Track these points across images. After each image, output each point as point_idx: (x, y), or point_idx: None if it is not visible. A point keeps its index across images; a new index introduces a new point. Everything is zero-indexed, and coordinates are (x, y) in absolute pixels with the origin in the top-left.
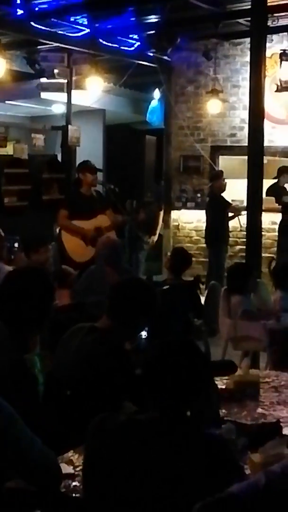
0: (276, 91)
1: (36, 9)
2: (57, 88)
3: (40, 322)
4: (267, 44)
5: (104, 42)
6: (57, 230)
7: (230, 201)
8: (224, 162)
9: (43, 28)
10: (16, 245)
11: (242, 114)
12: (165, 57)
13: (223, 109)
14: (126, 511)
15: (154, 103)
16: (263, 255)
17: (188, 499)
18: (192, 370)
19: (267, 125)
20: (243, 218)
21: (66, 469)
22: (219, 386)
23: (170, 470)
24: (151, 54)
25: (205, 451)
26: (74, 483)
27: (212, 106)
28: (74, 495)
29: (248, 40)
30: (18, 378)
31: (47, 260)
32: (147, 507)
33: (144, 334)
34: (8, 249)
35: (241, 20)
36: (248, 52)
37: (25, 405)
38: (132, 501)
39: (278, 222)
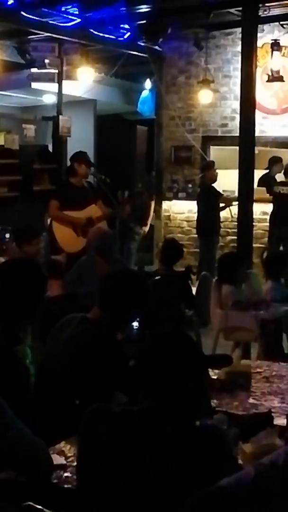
0: (267, 81)
1: None
2: (48, 78)
3: (31, 313)
4: (258, 34)
5: (95, 32)
6: (48, 220)
7: (221, 191)
8: (215, 152)
9: (33, 17)
10: (7, 236)
11: (233, 104)
12: (156, 47)
13: (214, 99)
14: (119, 503)
15: (145, 93)
16: (254, 245)
17: (182, 490)
18: (186, 362)
19: (258, 115)
20: (234, 209)
21: (58, 460)
22: (211, 377)
23: (163, 462)
24: (142, 44)
25: (198, 442)
26: (66, 474)
27: (203, 96)
28: (66, 486)
29: (239, 30)
30: (9, 369)
31: (38, 251)
32: (139, 499)
33: (135, 324)
34: None
35: (232, 10)
36: (239, 42)
37: (16, 396)
38: (125, 493)
39: (269, 212)
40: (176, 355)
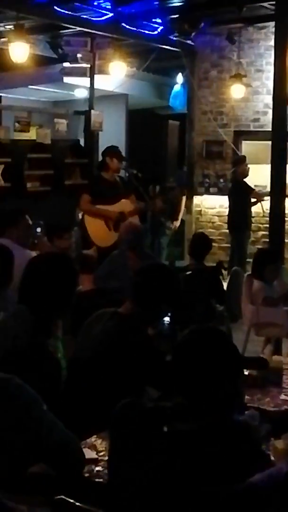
0: None
1: None
2: (80, 72)
3: (63, 308)
4: None
5: (127, 26)
6: (80, 215)
7: (253, 186)
8: (247, 147)
9: (66, 12)
10: (38, 230)
11: (265, 99)
12: (189, 41)
13: (246, 94)
14: (150, 497)
15: (177, 87)
16: (286, 240)
17: (213, 486)
18: (221, 358)
19: None
20: (266, 204)
21: (89, 454)
22: (244, 373)
23: (195, 457)
24: (174, 38)
25: (230, 438)
26: (97, 468)
27: (236, 91)
28: (97, 480)
29: (272, 24)
30: (41, 362)
31: (69, 246)
32: (171, 494)
33: (166, 319)
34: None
35: (265, 4)
36: (272, 36)
37: (47, 390)
38: (156, 487)
39: None
40: (212, 352)
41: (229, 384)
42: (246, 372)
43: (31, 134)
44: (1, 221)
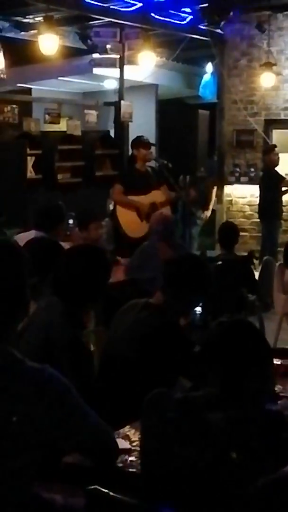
0: None
1: None
2: (110, 63)
3: (95, 299)
4: None
5: (156, 16)
6: (111, 206)
7: (284, 175)
8: (278, 135)
9: (95, 3)
10: (71, 222)
11: None
12: (218, 30)
13: (276, 82)
14: (183, 487)
15: (207, 77)
16: None
17: (246, 475)
18: (251, 348)
19: None
20: None
21: (123, 444)
22: (274, 362)
23: (227, 446)
24: (204, 28)
25: (263, 427)
26: (130, 458)
27: (266, 79)
28: (131, 470)
29: None
30: (74, 353)
31: (98, 237)
32: (203, 483)
33: (198, 310)
34: None
35: None
36: None
37: (80, 380)
38: (189, 476)
39: None
40: (241, 342)
41: (260, 374)
42: (278, 362)
43: (61, 126)
44: (51, 217)
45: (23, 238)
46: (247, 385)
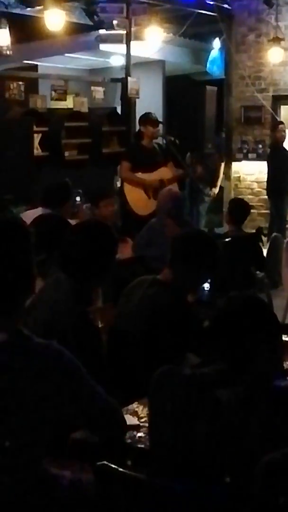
0: None
1: None
2: (116, 39)
3: (102, 275)
4: None
5: None
6: (118, 183)
7: None
8: (286, 111)
9: None
10: (78, 198)
11: None
12: (225, 5)
13: (285, 58)
14: (191, 462)
15: (215, 52)
16: None
17: (256, 450)
18: (260, 324)
19: None
20: None
21: (131, 420)
22: (283, 339)
23: (236, 422)
24: (211, 3)
25: (273, 402)
26: (139, 434)
27: (274, 55)
28: (139, 446)
29: None
30: (81, 330)
31: (111, 213)
32: (212, 458)
33: (206, 286)
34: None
35: None
36: None
37: (88, 357)
38: (198, 452)
39: None
40: (250, 318)
41: (269, 350)
42: (286, 338)
43: (68, 103)
44: (58, 195)
45: (30, 215)
46: (256, 361)
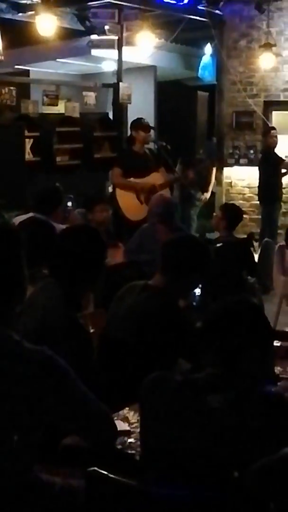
0: None
1: None
2: (108, 45)
3: (91, 280)
4: None
5: None
6: (110, 188)
7: (283, 157)
8: (278, 117)
9: None
10: (69, 204)
11: None
12: (217, 11)
13: (276, 64)
14: (183, 469)
15: (206, 58)
16: None
17: (246, 456)
18: (252, 329)
19: None
20: None
21: (122, 426)
22: (274, 344)
23: (227, 427)
24: (203, 8)
25: (263, 408)
26: (130, 440)
27: (265, 61)
28: (130, 452)
29: None
30: (72, 335)
31: (105, 218)
32: (203, 465)
33: (197, 291)
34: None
35: None
36: None
37: (79, 362)
38: (189, 459)
39: None
40: (242, 322)
41: (260, 355)
42: (277, 344)
43: (60, 108)
44: (49, 200)
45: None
46: (247, 366)
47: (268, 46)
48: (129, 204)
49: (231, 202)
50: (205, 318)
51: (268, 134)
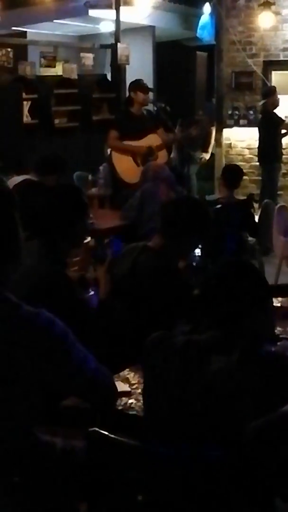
0: None
1: None
2: (105, 5)
3: (73, 239)
4: None
5: None
6: (108, 151)
7: (283, 117)
8: (277, 77)
9: None
10: None
11: None
12: None
13: (275, 22)
14: (184, 428)
15: (205, 18)
16: None
17: (247, 415)
18: (250, 289)
19: None
20: None
21: (122, 387)
22: (274, 304)
23: (229, 387)
24: None
25: (263, 368)
26: (130, 401)
27: (264, 20)
28: (131, 412)
29: None
30: (61, 289)
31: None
32: (204, 424)
33: (197, 252)
34: None
35: None
36: None
37: (78, 323)
38: (190, 418)
39: None
40: (241, 283)
41: (261, 316)
42: (278, 304)
43: (57, 70)
44: (52, 165)
45: (16, 182)
46: (246, 326)
47: (267, 4)
48: (126, 166)
49: (232, 163)
50: (205, 281)
51: (273, 95)
